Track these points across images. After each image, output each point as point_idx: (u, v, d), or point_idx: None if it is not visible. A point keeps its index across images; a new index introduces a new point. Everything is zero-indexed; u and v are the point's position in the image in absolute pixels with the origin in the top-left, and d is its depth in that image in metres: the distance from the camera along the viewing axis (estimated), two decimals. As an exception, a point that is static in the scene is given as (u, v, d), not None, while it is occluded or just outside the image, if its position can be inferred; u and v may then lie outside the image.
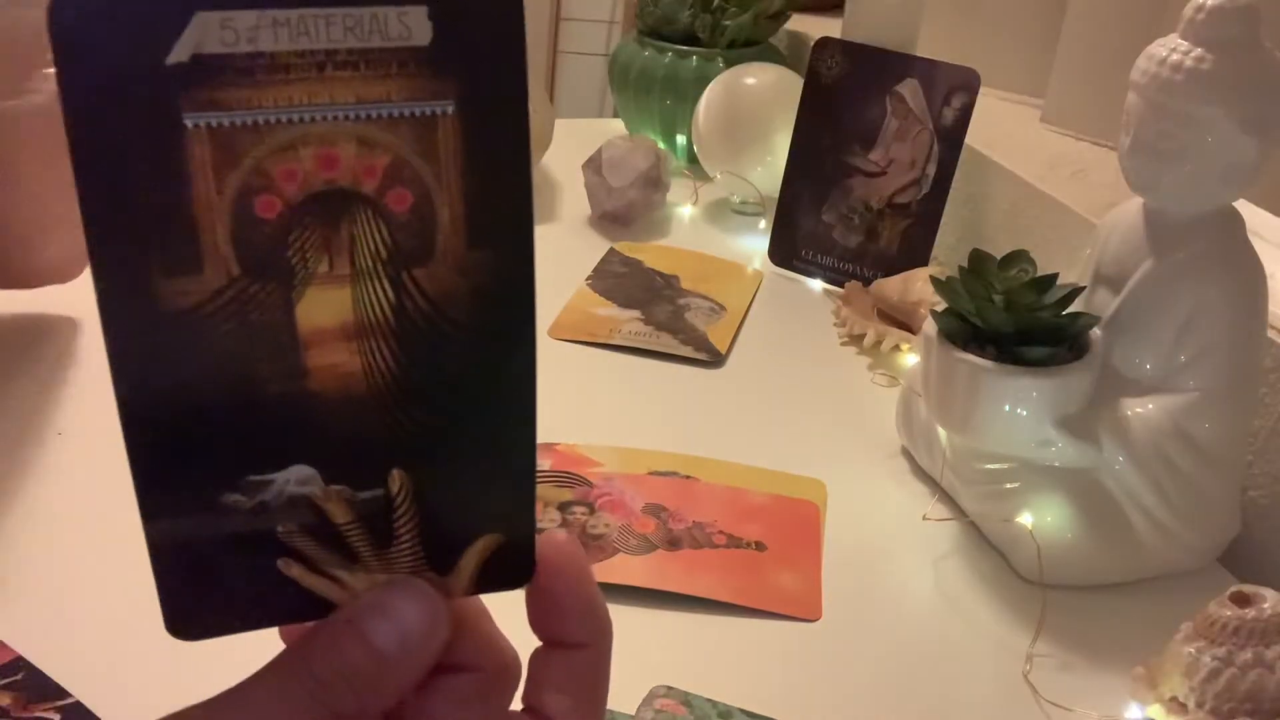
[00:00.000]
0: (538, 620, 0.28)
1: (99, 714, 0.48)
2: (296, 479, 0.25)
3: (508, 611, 0.28)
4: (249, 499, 0.24)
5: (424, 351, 0.24)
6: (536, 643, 0.28)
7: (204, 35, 0.21)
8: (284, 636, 0.27)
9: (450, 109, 0.23)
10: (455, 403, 0.25)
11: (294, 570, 0.25)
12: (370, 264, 0.23)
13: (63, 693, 0.49)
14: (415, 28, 0.22)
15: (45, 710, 0.48)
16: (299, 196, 0.23)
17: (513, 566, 0.27)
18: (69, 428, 0.68)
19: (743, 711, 0.50)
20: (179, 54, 0.21)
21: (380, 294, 0.24)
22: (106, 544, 0.58)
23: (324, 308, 0.23)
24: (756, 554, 0.61)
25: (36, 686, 0.49)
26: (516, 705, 0.28)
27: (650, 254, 0.97)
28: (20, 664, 0.50)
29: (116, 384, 0.23)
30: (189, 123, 0.21)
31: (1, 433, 0.67)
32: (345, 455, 0.25)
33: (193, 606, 0.25)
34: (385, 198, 0.23)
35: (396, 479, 0.25)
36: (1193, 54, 0.54)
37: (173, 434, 0.24)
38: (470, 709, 0.27)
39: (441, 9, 0.22)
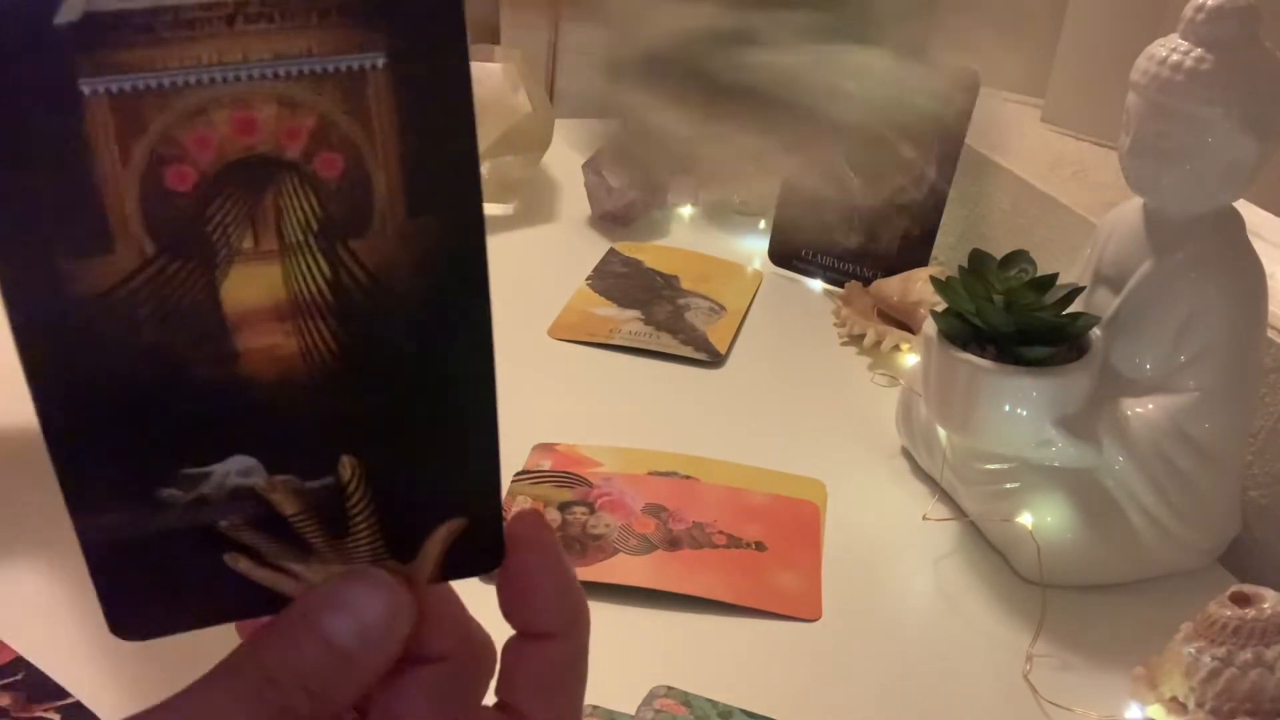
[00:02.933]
0: (509, 605, 0.26)
1: (99, 714, 0.48)
2: (237, 470, 0.23)
3: (482, 601, 0.27)
4: (185, 493, 0.23)
5: (366, 329, 0.23)
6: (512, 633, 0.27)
7: None
8: (240, 633, 0.26)
9: (381, 62, 0.21)
10: (405, 382, 0.23)
11: (241, 564, 0.24)
12: (300, 237, 0.21)
13: (63, 693, 0.49)
14: None
15: (45, 710, 0.48)
16: (216, 166, 0.21)
17: (480, 551, 0.25)
18: (69, 428, 0.68)
19: (743, 711, 0.50)
20: (68, 12, 0.19)
21: (314, 269, 0.22)
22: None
23: (252, 286, 0.22)
24: (756, 554, 0.61)
25: (36, 686, 0.49)
26: (491, 700, 0.27)
27: (650, 254, 0.97)
28: (20, 664, 0.50)
29: (27, 375, 0.21)
30: (86, 89, 0.20)
31: (1, 433, 0.67)
32: (288, 443, 0.23)
33: (133, 606, 0.24)
34: (313, 163, 0.21)
35: (347, 465, 0.24)
36: (1193, 54, 0.54)
37: (95, 427, 0.22)
38: (441, 703, 0.26)
39: None
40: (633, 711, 0.49)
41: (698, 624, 0.56)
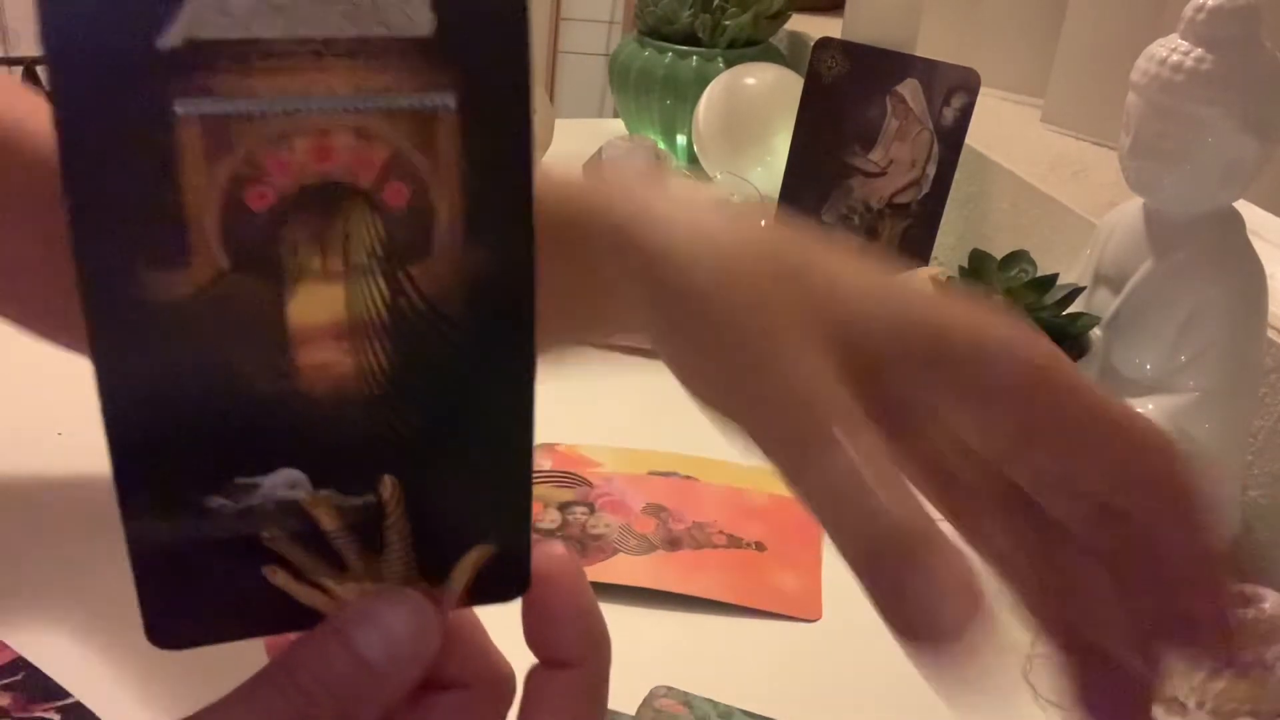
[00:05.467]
0: (532, 634, 0.27)
1: (99, 714, 0.48)
2: (284, 483, 0.24)
3: (507, 628, 0.28)
4: (234, 502, 0.24)
5: (419, 352, 0.23)
6: (534, 661, 0.28)
7: (199, 19, 0.20)
8: (269, 649, 0.26)
9: (451, 102, 0.22)
10: (450, 407, 0.24)
11: (279, 578, 0.24)
12: (365, 260, 0.22)
13: (63, 693, 0.49)
14: (417, 17, 0.21)
15: (45, 710, 0.48)
16: (292, 189, 0.22)
17: (506, 578, 0.26)
18: (69, 428, 0.68)
19: (743, 712, 0.50)
20: (172, 38, 0.20)
21: (375, 292, 0.23)
22: (107, 544, 0.58)
23: (316, 305, 0.22)
24: (756, 554, 0.61)
25: (36, 686, 0.49)
26: None
27: (650, 254, 0.97)
28: (20, 664, 0.50)
29: (98, 378, 0.22)
30: (180, 110, 0.21)
31: (1, 433, 0.67)
32: (335, 459, 0.24)
33: (173, 614, 0.24)
34: (382, 192, 0.22)
35: (388, 485, 0.24)
36: (1193, 54, 0.54)
37: (156, 432, 0.23)
38: None
39: None
40: (633, 712, 0.49)
41: (698, 624, 0.56)
